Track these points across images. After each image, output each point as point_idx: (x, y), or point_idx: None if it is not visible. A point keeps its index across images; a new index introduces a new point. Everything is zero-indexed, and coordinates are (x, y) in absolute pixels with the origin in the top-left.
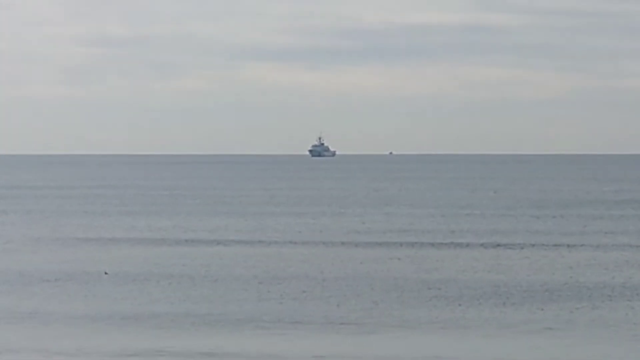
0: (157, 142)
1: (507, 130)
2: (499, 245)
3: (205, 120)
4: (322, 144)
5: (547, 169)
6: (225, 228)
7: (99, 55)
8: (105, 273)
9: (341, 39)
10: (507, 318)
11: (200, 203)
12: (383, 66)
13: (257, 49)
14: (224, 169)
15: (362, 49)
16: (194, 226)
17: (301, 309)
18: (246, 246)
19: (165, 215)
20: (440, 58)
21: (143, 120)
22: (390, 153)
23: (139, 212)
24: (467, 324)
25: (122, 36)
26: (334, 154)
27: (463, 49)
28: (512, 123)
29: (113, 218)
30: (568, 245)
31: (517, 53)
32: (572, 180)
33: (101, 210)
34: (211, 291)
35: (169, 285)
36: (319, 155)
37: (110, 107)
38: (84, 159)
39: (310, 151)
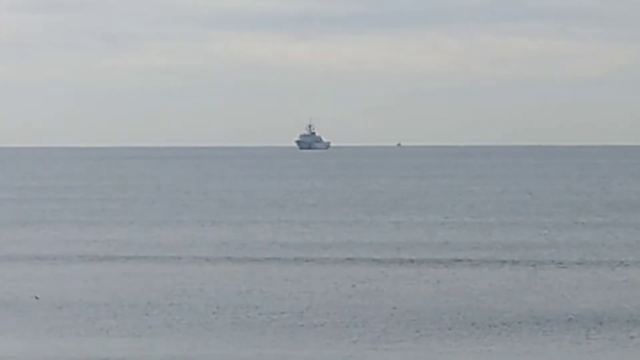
0: (106, 131)
1: (544, 116)
2: (536, 261)
3: (168, 105)
4: (313, 134)
5: (594, 163)
6: (187, 240)
7: (34, 23)
8: (36, 297)
9: (337, 3)
10: (546, 352)
11: (156, 209)
12: (388, 36)
13: (233, 15)
14: (190, 165)
15: (363, 15)
16: (146, 238)
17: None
18: (211, 263)
19: (113, 225)
20: (459, 26)
21: (88, 104)
22: (399, 145)
23: (81, 221)
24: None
25: (64, 0)
26: (327, 145)
27: (488, 14)
28: (550, 107)
29: (49, 228)
30: (622, 262)
31: (557, 19)
32: (627, 176)
33: (34, 218)
34: (169, 322)
35: (113, 314)
36: (309, 148)
37: (46, 88)
38: (13, 153)
39: (298, 142)
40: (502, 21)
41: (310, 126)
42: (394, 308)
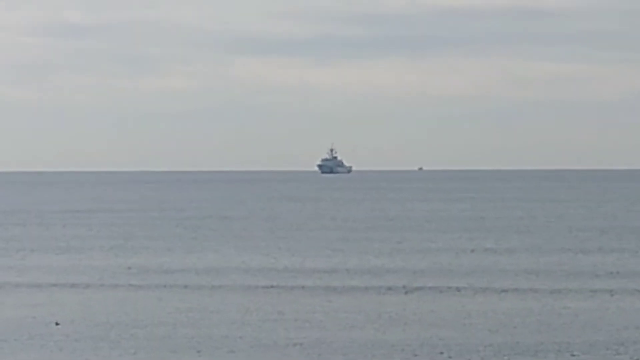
0: (124, 155)
1: (569, 139)
2: (558, 290)
3: (187, 129)
4: (335, 158)
5: (621, 187)
6: (210, 266)
7: (53, 47)
8: (57, 324)
9: (357, 26)
10: None
11: (179, 234)
12: (409, 60)
13: (252, 39)
14: (211, 189)
15: (383, 39)
16: (170, 264)
17: None
18: (235, 290)
19: (135, 251)
20: (482, 49)
21: (108, 127)
22: (420, 169)
23: (104, 246)
24: None
25: (83, 24)
26: (349, 170)
27: (512, 38)
28: (575, 130)
29: (70, 254)
30: None
31: (582, 43)
32: None
33: (56, 245)
34: (193, 347)
35: (136, 340)
36: (331, 172)
37: (68, 111)
38: (37, 178)
39: (320, 166)
40: (525, 44)
41: (332, 150)
42: (419, 336)
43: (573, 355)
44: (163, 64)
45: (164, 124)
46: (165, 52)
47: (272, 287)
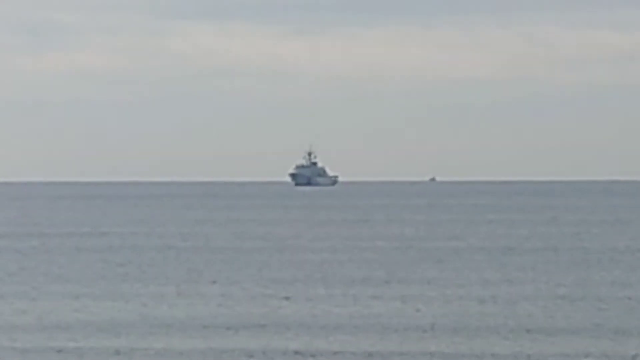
0: (16, 159)
1: (633, 140)
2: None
3: (106, 123)
4: (314, 164)
5: None
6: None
7: None
8: None
9: None
10: None
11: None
12: (420, 30)
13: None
14: (142, 207)
15: (384, 2)
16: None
17: None
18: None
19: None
20: (518, 16)
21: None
22: (432, 179)
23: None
24: None
25: None
26: (334, 180)
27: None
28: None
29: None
30: None
31: None
32: None
33: None
34: None
35: None
36: (308, 183)
37: None
38: None
39: (294, 176)
40: (576, 9)
41: (310, 154)
42: None
43: None
44: (74, 34)
45: (72, 117)
46: (77, 18)
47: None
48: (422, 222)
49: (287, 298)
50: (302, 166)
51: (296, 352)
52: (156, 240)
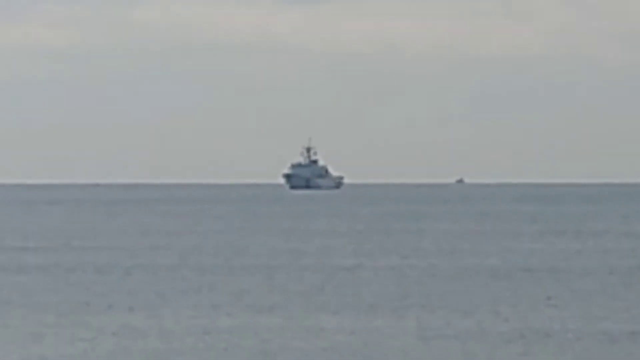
0: None
1: None
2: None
3: (57, 112)
4: (314, 162)
5: None
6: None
7: None
8: None
9: None
10: None
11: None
12: None
13: None
14: (102, 211)
15: None
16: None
17: None
18: None
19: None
20: None
21: None
22: (460, 181)
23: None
24: None
25: None
26: (338, 182)
27: None
28: None
29: None
30: None
31: None
32: None
33: None
34: None
35: None
36: (307, 187)
37: None
38: None
39: (288, 177)
40: None
41: (308, 150)
42: None
43: None
44: (18, 4)
45: (19, 104)
46: None
47: None
48: (448, 234)
49: (280, 329)
50: (299, 165)
51: None
52: (122, 257)
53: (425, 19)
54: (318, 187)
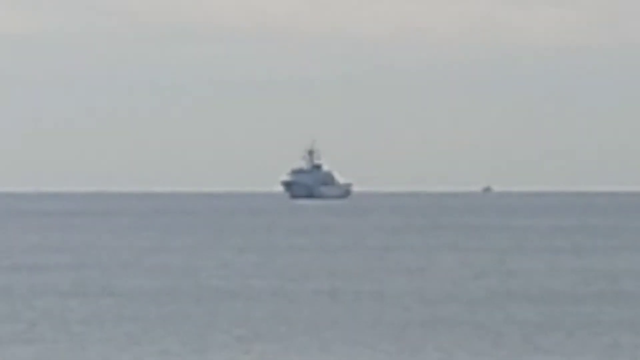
0: None
1: None
2: None
3: (27, 112)
4: (317, 167)
5: None
6: None
7: None
8: None
9: None
10: None
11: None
12: None
13: None
14: (60, 227)
15: None
16: None
17: None
18: None
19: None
20: None
21: None
22: (487, 189)
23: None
24: None
25: None
26: (345, 191)
27: None
28: None
29: None
30: None
31: None
32: None
33: None
34: None
35: None
36: (310, 195)
37: None
38: None
39: (288, 184)
40: None
41: (311, 153)
42: None
43: None
44: None
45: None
46: None
47: None
48: (475, 250)
49: None
50: (301, 170)
51: None
52: (100, 279)
53: (447, 2)
54: (322, 196)
